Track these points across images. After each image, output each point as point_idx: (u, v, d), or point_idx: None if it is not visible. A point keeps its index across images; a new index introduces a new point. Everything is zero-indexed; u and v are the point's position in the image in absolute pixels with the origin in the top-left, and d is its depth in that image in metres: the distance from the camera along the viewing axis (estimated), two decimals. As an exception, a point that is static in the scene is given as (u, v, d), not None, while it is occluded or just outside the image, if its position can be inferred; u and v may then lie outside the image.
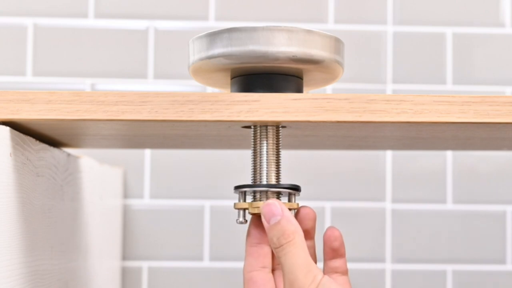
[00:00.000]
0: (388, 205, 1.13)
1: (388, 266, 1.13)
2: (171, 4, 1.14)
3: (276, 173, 0.56)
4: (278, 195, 0.56)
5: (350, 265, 1.17)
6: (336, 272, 0.58)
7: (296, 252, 0.52)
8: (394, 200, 1.14)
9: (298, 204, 0.57)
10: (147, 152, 1.12)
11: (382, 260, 1.13)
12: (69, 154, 0.70)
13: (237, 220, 0.57)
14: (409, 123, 0.53)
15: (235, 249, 1.09)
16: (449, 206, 1.14)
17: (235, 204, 0.57)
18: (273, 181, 0.56)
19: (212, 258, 1.11)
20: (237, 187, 0.56)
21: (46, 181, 0.61)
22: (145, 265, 1.12)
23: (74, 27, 1.13)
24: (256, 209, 0.56)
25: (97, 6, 1.13)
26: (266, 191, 0.56)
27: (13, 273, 0.53)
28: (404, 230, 1.13)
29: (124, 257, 1.11)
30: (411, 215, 1.14)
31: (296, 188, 0.56)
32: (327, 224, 1.12)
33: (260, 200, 0.56)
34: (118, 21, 1.13)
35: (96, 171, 0.85)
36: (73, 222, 0.72)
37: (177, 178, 1.13)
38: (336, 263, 0.58)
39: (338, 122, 0.52)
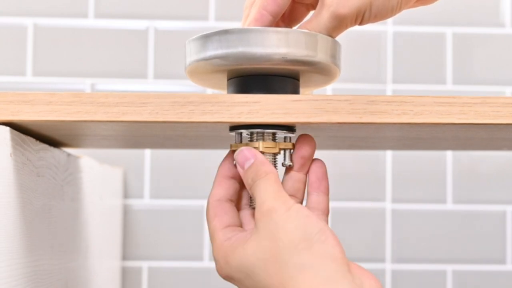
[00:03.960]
0: (388, 205, 1.13)
1: (388, 266, 1.13)
2: (171, 4, 1.14)
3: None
4: (274, 136, 0.56)
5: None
6: (317, 209, 0.56)
7: (269, 184, 0.52)
8: (394, 200, 1.14)
9: (293, 144, 0.57)
10: (147, 152, 1.12)
11: (382, 260, 1.13)
12: (69, 154, 0.70)
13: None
14: (410, 124, 0.53)
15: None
16: (449, 206, 1.14)
17: (231, 145, 0.57)
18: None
19: (212, 258, 1.11)
20: (233, 128, 0.56)
21: (46, 181, 0.61)
22: (145, 265, 1.12)
23: (74, 27, 1.13)
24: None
25: (97, 6, 1.13)
26: (262, 133, 0.56)
27: (13, 273, 0.53)
28: (404, 230, 1.13)
29: (124, 257, 1.11)
30: (411, 215, 1.14)
31: (291, 129, 0.56)
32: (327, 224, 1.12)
33: (257, 141, 0.56)
34: (118, 21, 1.13)
35: (96, 171, 0.85)
36: (73, 222, 0.72)
37: (177, 178, 1.13)
38: (319, 197, 0.57)
39: (338, 123, 0.52)
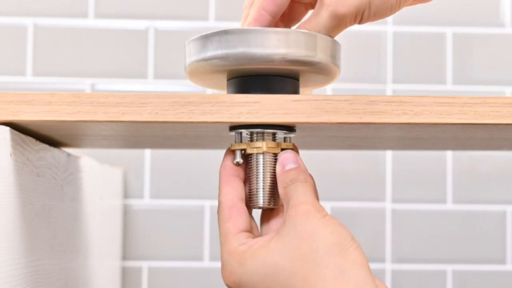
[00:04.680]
0: (388, 205, 1.13)
1: (388, 266, 1.13)
2: (171, 4, 1.14)
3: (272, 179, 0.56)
4: (274, 136, 0.56)
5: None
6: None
7: (309, 189, 0.53)
8: (394, 200, 1.14)
9: (293, 144, 0.57)
10: (147, 152, 1.12)
11: (382, 260, 1.13)
12: (69, 154, 0.70)
13: (233, 161, 0.57)
14: (410, 124, 0.53)
15: (235, 249, 1.09)
16: (449, 206, 1.14)
17: (231, 145, 0.57)
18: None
19: (212, 258, 1.11)
20: (232, 128, 0.56)
21: (46, 181, 0.61)
22: (145, 265, 1.12)
23: (74, 27, 1.13)
24: (254, 149, 0.56)
25: (97, 6, 1.13)
26: (262, 132, 0.56)
27: (13, 273, 0.53)
28: (404, 230, 1.13)
29: (124, 257, 1.11)
30: (411, 215, 1.14)
31: (290, 129, 0.56)
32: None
33: (257, 141, 0.56)
34: (118, 21, 1.13)
35: (96, 171, 0.85)
36: (73, 222, 0.72)
37: (177, 178, 1.13)
38: None
39: (338, 123, 0.52)
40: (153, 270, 1.12)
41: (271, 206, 0.56)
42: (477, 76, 1.15)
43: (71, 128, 0.58)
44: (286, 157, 0.54)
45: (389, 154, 1.14)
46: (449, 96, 0.53)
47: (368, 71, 1.14)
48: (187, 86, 1.13)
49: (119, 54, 1.13)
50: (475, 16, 1.15)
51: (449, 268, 1.13)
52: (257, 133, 0.56)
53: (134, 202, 1.12)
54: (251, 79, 0.56)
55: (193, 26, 1.14)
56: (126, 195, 1.12)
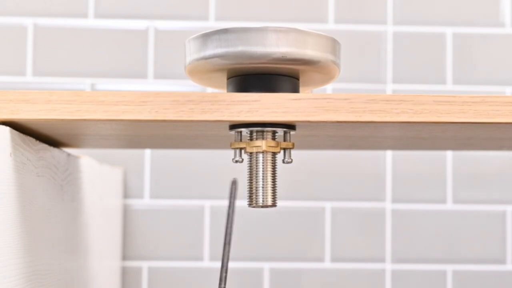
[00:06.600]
0: (388, 205, 1.13)
1: (388, 266, 1.13)
2: (171, 4, 1.14)
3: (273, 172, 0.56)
4: (274, 134, 0.56)
5: (350, 265, 1.17)
6: None
7: None
8: (394, 200, 1.14)
9: (293, 143, 0.57)
10: (147, 152, 1.12)
11: (382, 260, 1.13)
12: (69, 154, 0.70)
13: (233, 159, 0.57)
14: (409, 123, 0.53)
15: (235, 249, 1.09)
16: (449, 206, 1.14)
17: (231, 144, 0.57)
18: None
19: (212, 258, 1.11)
20: (232, 127, 0.56)
21: (46, 181, 0.61)
22: (145, 265, 1.12)
23: (74, 27, 1.13)
24: (254, 148, 0.56)
25: (97, 6, 1.13)
26: (262, 131, 0.56)
27: (13, 273, 0.53)
28: (404, 230, 1.13)
29: (124, 257, 1.11)
30: (411, 215, 1.14)
31: (291, 127, 0.56)
32: (327, 224, 1.12)
33: (257, 139, 0.55)
34: (118, 21, 1.13)
35: (96, 171, 0.85)
36: (73, 222, 0.72)
37: (177, 178, 1.13)
38: None
39: (338, 122, 0.52)
40: (153, 270, 1.12)
41: (271, 205, 0.56)
42: (477, 76, 1.15)
43: (70, 127, 0.58)
44: None
45: (389, 154, 1.14)
46: (449, 95, 0.53)
47: (368, 71, 1.14)
48: (187, 86, 1.13)
49: (119, 54, 1.13)
50: (475, 16, 1.15)
51: (449, 268, 1.13)
52: (256, 131, 0.56)
53: (134, 202, 1.12)
54: (251, 77, 0.56)
55: (193, 26, 1.14)
56: (126, 195, 1.12)
